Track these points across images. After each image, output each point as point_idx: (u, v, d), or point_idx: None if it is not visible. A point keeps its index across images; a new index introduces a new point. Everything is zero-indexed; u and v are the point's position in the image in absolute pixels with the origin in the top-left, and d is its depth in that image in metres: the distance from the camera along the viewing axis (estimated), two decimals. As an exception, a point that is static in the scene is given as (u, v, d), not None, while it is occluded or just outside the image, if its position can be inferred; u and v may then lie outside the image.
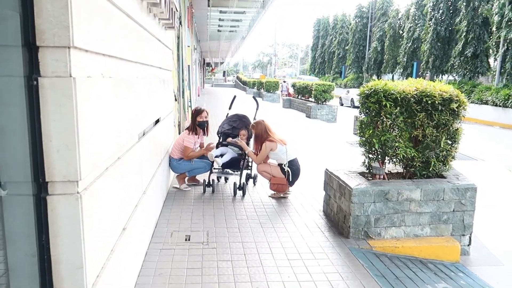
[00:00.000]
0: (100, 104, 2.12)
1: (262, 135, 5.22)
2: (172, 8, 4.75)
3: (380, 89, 4.10)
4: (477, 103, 19.23)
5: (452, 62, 23.87)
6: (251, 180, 5.96)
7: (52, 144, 1.74)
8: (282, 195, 5.33)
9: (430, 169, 4.23)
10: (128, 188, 2.83)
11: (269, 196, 5.35)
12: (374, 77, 37.47)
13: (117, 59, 2.54)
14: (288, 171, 5.19)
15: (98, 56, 2.13)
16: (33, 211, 1.76)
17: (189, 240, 3.86)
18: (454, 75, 24.73)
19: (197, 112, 5.47)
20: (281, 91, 28.87)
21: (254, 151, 5.35)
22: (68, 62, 1.73)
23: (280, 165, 5.26)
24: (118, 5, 2.48)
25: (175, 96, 7.58)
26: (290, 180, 5.22)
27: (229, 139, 5.64)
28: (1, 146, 1.70)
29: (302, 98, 20.88)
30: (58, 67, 1.71)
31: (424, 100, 4.03)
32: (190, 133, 5.41)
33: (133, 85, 3.01)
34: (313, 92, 17.03)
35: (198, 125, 5.46)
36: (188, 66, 12.78)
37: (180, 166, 5.40)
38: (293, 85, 22.27)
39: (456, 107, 4.10)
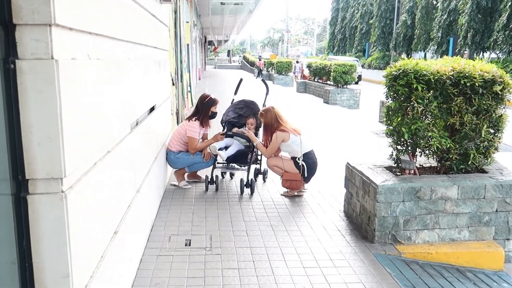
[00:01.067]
0: (86, 90, 2.13)
1: (272, 124, 5.21)
2: (167, -22, 4.74)
3: (410, 70, 4.06)
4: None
5: (495, 37, 23.54)
6: (260, 176, 5.97)
7: (32, 136, 1.75)
8: (296, 193, 5.34)
9: (469, 163, 4.20)
10: (120, 185, 2.85)
11: (282, 195, 5.36)
12: (403, 55, 37.12)
13: (105, 38, 2.54)
14: (302, 165, 5.18)
15: (84, 35, 2.14)
16: (12, 213, 1.78)
17: (189, 245, 3.89)
18: (497, 52, 24.39)
19: (212, 102, 5.50)
20: (294, 73, 28.88)
21: (263, 142, 5.36)
22: (50, 42, 1.73)
23: (293, 158, 5.25)
24: (105, -25, 2.48)
25: (172, 80, 7.60)
26: (305, 175, 5.22)
27: (235, 129, 5.63)
28: (-25, 139, 1.72)
29: (319, 80, 20.80)
30: (38, 48, 1.72)
31: (462, 82, 3.99)
32: (196, 122, 5.42)
33: (124, 68, 3.02)
34: (332, 73, 16.93)
35: (211, 115, 5.50)
36: (187, 45, 12.78)
37: (178, 160, 5.43)
38: (309, 66, 22.19)
39: (500, 90, 4.05)
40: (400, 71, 4.13)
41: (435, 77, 4.01)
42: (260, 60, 35.34)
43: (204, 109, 5.49)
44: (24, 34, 1.72)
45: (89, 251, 2.16)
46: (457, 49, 27.23)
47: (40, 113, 1.75)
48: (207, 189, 5.46)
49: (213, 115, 5.54)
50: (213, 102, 5.51)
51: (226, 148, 5.51)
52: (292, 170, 5.22)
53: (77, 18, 2.00)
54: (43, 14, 1.70)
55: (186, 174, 5.68)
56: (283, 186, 5.30)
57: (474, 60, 4.27)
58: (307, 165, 5.20)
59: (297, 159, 5.20)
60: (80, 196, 2.02)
